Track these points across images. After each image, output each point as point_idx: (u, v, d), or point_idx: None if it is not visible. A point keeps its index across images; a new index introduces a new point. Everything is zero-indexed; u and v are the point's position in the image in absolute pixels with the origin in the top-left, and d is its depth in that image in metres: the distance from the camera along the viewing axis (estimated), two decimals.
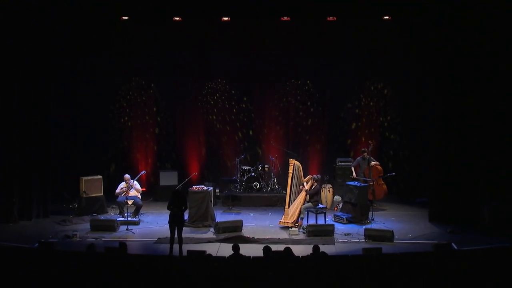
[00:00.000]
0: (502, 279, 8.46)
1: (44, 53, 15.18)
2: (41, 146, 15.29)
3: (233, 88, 18.18)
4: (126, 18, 16.68)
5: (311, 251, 9.84)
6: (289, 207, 14.23)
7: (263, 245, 9.90)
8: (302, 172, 14.38)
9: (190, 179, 16.13)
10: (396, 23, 16.58)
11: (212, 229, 13.83)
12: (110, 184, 16.12)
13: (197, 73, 17.92)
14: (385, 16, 16.44)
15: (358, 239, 12.92)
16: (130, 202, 14.78)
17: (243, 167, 17.20)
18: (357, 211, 14.38)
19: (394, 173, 15.48)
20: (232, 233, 13.38)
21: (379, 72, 17.47)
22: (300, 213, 14.09)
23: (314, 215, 14.05)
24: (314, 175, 14.37)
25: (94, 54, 17.11)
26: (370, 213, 14.55)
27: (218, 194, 16.92)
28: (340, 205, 15.48)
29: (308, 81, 17.93)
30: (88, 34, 16.79)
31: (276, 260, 9.31)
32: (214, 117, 18.31)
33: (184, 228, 12.48)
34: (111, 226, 13.74)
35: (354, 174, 15.83)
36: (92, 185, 15.54)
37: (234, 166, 17.37)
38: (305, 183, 14.30)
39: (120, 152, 18.09)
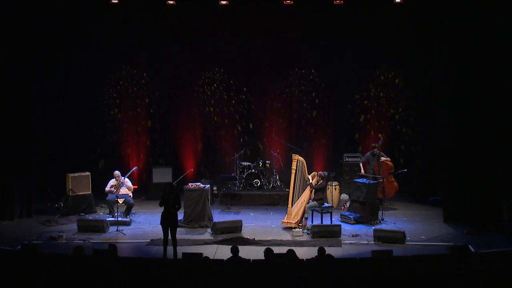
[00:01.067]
0: None
1: (26, 40, 15.10)
2: (24, 141, 15.24)
3: (231, 78, 18.14)
4: (116, 1, 16.61)
5: (316, 254, 9.84)
6: (292, 206, 14.21)
7: (264, 247, 9.89)
8: (306, 168, 14.35)
9: (185, 176, 16.12)
10: (408, 6, 16.53)
11: (209, 230, 13.82)
12: (99, 182, 16.07)
13: (193, 61, 17.87)
14: None
15: (367, 240, 12.92)
16: (120, 200, 14.77)
17: (243, 163, 17.17)
18: (365, 210, 14.36)
19: (405, 170, 15.44)
20: (230, 234, 13.37)
21: (389, 61, 17.41)
22: (304, 212, 14.07)
23: (319, 214, 14.02)
24: (320, 172, 14.34)
25: (81, 41, 17.06)
26: (380, 212, 14.54)
27: (216, 192, 16.91)
28: (347, 204, 15.46)
29: (313, 70, 17.90)
30: (75, 18, 16.74)
31: (278, 264, 9.29)
32: (211, 109, 18.28)
33: (179, 228, 12.50)
34: (100, 226, 13.72)
35: (362, 170, 15.80)
36: (79, 182, 15.54)
37: (233, 162, 17.35)
38: (310, 179, 14.28)
39: (110, 147, 18.06)
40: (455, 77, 14.10)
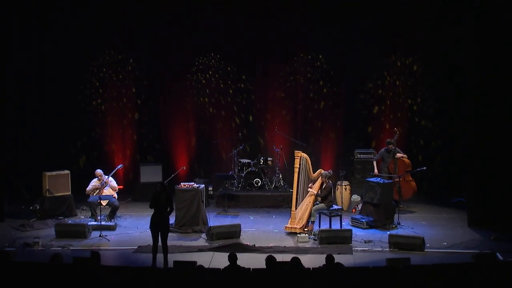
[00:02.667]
0: None
1: None
2: None
3: (229, 65, 18.12)
4: None
5: (324, 262, 9.84)
6: (296, 209, 14.19)
7: (266, 255, 9.88)
8: (311, 166, 14.32)
9: (177, 175, 16.10)
10: None
11: (203, 235, 13.82)
12: (80, 181, 16.07)
13: (186, 46, 17.84)
14: None
15: (381, 247, 12.92)
16: (104, 202, 14.75)
17: (242, 160, 17.17)
18: (379, 213, 14.36)
19: (425, 168, 15.42)
20: (228, 240, 13.37)
21: (407, 45, 17.38)
22: (310, 215, 14.06)
23: (328, 218, 14.02)
24: (324, 172, 14.27)
25: (59, 22, 17.02)
26: (396, 216, 14.52)
27: (212, 192, 16.91)
28: (359, 206, 15.45)
29: (320, 56, 17.88)
30: None
31: (282, 273, 9.28)
32: (206, 100, 18.26)
33: (170, 234, 12.47)
34: (81, 232, 13.71)
35: (375, 170, 15.75)
36: (57, 182, 15.52)
37: (230, 159, 17.34)
38: (313, 182, 14.23)
39: (92, 142, 18.06)
40: (484, 64, 13.98)
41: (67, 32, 17.19)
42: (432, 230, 14.14)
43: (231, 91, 18.23)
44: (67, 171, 15.78)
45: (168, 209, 12.07)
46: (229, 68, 18.15)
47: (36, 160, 16.89)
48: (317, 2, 17.19)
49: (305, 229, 13.92)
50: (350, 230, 13.48)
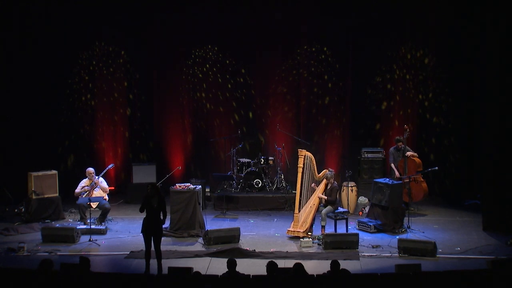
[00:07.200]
0: None
1: None
2: None
3: (227, 57, 18.12)
4: None
5: (329, 268, 9.86)
6: (300, 211, 14.21)
7: (267, 261, 9.89)
8: (315, 165, 14.33)
9: (172, 175, 16.11)
10: None
11: (200, 240, 13.85)
12: (68, 182, 16.11)
13: (181, 37, 17.86)
14: None
15: (390, 252, 12.93)
16: (94, 205, 14.77)
17: (241, 159, 17.17)
18: (388, 216, 14.37)
19: (437, 168, 15.44)
20: (226, 244, 13.39)
21: (418, 36, 17.37)
22: (314, 219, 14.08)
23: (333, 221, 14.03)
24: (328, 172, 14.24)
25: (45, 11, 17.00)
26: (406, 219, 14.54)
27: (209, 194, 16.93)
28: (367, 209, 15.47)
29: (325, 48, 17.87)
30: None
31: (284, 280, 9.29)
32: (203, 95, 18.26)
33: (164, 238, 12.50)
34: (69, 236, 13.73)
35: (396, 173, 15.68)
36: (44, 182, 15.52)
37: (229, 159, 17.34)
38: (316, 182, 14.25)
39: (81, 140, 18.07)
40: (505, 55, 13.96)
41: (53, 21, 17.16)
42: (444, 235, 14.15)
43: (229, 86, 18.22)
44: (54, 171, 15.79)
45: (161, 215, 12.04)
46: (227, 61, 18.15)
47: (21, 159, 16.88)
48: None
49: (309, 233, 13.94)
50: (357, 234, 13.49)
